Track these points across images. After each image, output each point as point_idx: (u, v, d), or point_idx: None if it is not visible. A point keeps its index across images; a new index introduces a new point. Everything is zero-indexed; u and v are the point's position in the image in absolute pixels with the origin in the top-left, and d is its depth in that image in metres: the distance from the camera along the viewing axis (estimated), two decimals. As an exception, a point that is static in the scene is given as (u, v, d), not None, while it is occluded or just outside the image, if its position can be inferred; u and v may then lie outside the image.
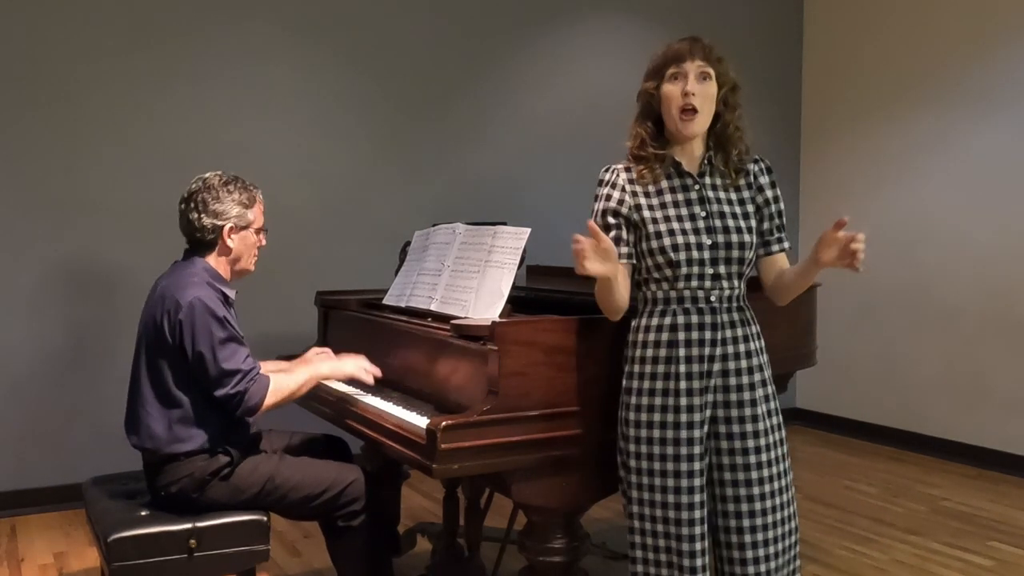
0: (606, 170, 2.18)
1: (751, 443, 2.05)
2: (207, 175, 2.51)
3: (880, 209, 5.45)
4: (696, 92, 2.04)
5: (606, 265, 1.98)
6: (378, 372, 2.57)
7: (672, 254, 2.05)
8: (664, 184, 2.11)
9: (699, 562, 2.03)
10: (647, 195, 2.11)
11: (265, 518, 2.43)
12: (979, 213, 4.95)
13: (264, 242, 2.62)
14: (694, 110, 2.05)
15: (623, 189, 2.12)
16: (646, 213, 2.10)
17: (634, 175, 2.13)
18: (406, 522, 3.36)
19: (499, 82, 5.04)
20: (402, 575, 3.02)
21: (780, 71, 5.96)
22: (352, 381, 2.64)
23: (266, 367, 2.77)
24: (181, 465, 2.39)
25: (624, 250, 2.10)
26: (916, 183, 5.28)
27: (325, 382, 2.69)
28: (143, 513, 2.41)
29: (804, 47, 6.03)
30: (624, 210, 2.11)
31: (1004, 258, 4.83)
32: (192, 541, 2.32)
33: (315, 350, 2.87)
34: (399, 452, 2.20)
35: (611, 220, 2.12)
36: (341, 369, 2.56)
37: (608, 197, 2.13)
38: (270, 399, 2.39)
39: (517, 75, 5.09)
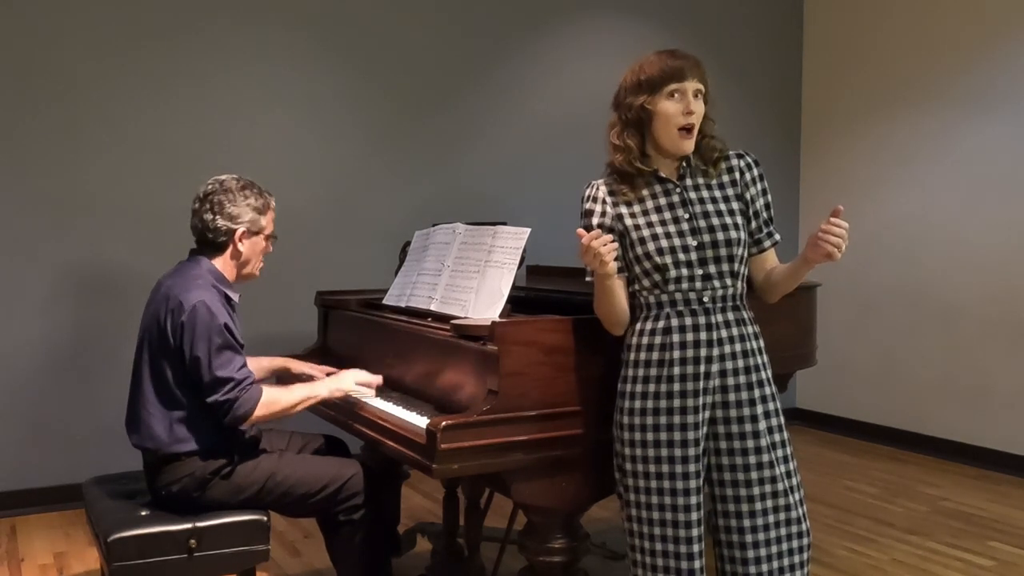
0: (587, 187, 2.20)
1: (750, 443, 2.05)
2: (223, 177, 2.51)
3: (880, 209, 5.45)
4: (695, 111, 2.06)
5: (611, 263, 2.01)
6: (378, 381, 2.56)
7: (658, 258, 2.06)
8: (645, 193, 2.13)
9: (696, 564, 2.03)
10: (628, 205, 2.13)
11: (265, 518, 2.43)
12: (979, 213, 4.95)
13: (272, 249, 2.63)
14: (692, 129, 2.07)
15: (604, 202, 2.15)
16: (628, 222, 2.12)
17: (614, 188, 2.15)
18: (406, 522, 3.36)
19: (499, 82, 5.04)
20: (402, 575, 3.02)
21: (780, 71, 5.96)
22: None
23: (269, 363, 2.80)
24: (182, 465, 2.39)
25: (616, 264, 2.11)
26: (916, 183, 5.28)
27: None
28: (143, 513, 2.41)
29: (804, 47, 6.02)
30: (608, 222, 2.14)
31: (1004, 258, 4.83)
32: (192, 541, 2.32)
33: (324, 369, 2.85)
34: (399, 452, 2.20)
35: (595, 225, 2.14)
36: (340, 388, 2.52)
37: (591, 213, 2.17)
38: (260, 411, 2.37)
39: (517, 75, 5.09)
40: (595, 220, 2.15)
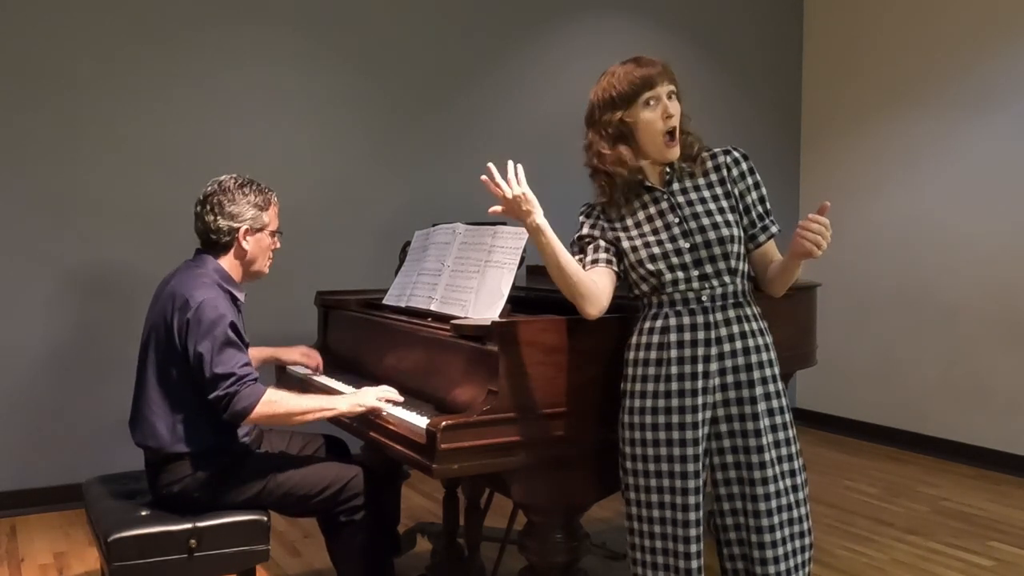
0: (583, 206, 2.25)
1: (752, 442, 2.04)
2: (222, 177, 2.53)
3: (880, 209, 5.44)
4: (674, 113, 2.08)
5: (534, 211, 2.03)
6: (400, 399, 2.44)
7: (650, 265, 2.07)
8: (636, 204, 2.15)
9: (695, 564, 2.04)
10: (621, 218, 2.16)
11: (265, 518, 2.43)
12: (979, 213, 4.95)
13: (279, 245, 2.63)
14: (675, 132, 2.08)
15: (598, 217, 2.20)
16: (621, 234, 2.14)
17: (606, 206, 2.18)
18: (406, 522, 3.36)
19: (498, 82, 5.04)
20: (402, 575, 3.03)
21: (780, 71, 5.96)
22: None
23: (258, 352, 2.83)
24: (183, 464, 2.39)
25: (603, 256, 2.14)
26: (916, 183, 5.28)
27: (331, 386, 2.69)
28: (143, 513, 2.41)
29: (804, 47, 6.03)
30: (597, 232, 2.18)
31: (1004, 258, 4.83)
32: (192, 541, 2.32)
33: (313, 354, 2.95)
34: (399, 452, 2.20)
35: (586, 231, 2.19)
36: (362, 404, 2.41)
37: (582, 224, 2.22)
38: (263, 408, 2.31)
39: (517, 75, 5.09)
40: (585, 230, 2.20)
